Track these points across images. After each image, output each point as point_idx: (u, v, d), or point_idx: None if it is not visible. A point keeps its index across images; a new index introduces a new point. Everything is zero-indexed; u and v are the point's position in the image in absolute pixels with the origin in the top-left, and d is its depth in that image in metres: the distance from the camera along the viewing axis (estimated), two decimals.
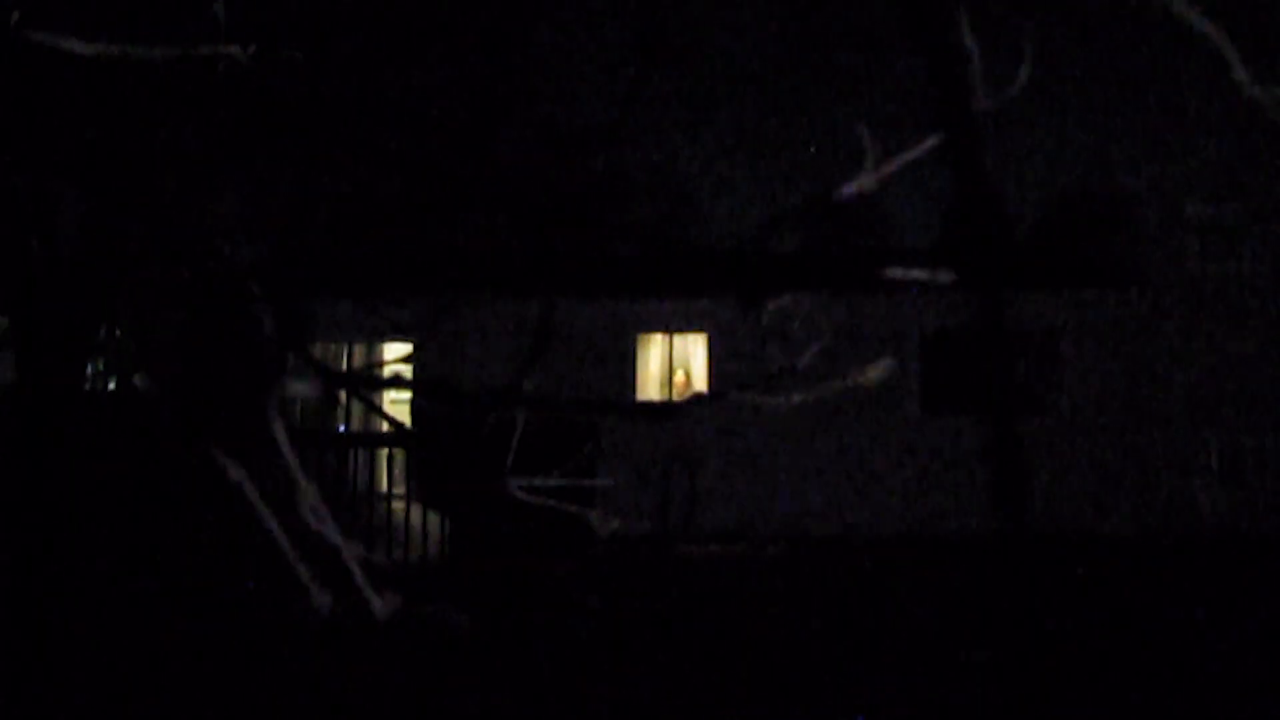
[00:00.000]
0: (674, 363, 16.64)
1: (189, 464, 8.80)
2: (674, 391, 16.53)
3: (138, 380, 11.12)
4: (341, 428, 14.40)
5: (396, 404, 16.72)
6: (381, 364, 11.91)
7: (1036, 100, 16.03)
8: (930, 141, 0.99)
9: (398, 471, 14.03)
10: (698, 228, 17.64)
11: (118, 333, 10.43)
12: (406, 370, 16.37)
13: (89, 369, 10.60)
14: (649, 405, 15.73)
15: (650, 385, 16.54)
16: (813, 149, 16.89)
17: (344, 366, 16.22)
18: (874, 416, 15.72)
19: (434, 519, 11.43)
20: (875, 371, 1.06)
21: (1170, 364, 15.92)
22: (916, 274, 1.05)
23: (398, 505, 12.42)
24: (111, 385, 11.58)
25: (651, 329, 16.45)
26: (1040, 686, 7.52)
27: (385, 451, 12.99)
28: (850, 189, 1.04)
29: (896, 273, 1.06)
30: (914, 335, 16.00)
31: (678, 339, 16.63)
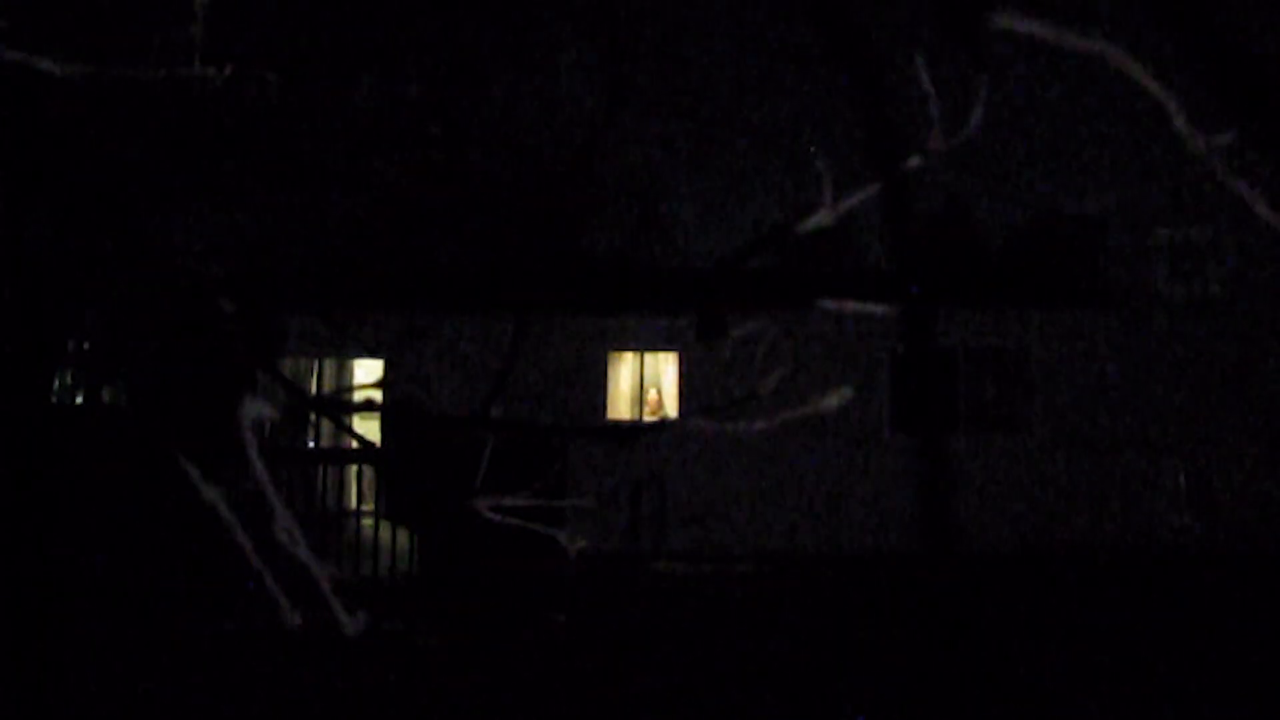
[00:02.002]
0: (645, 381, 16.67)
1: (165, 474, 8.78)
2: (646, 410, 16.56)
3: (105, 394, 11.08)
4: (310, 444, 14.35)
5: (367, 419, 16.69)
6: (352, 386, 11.87)
7: (1008, 124, 16.20)
8: (874, 188, 1.03)
9: (367, 488, 14.01)
10: (669, 247, 17.71)
11: (85, 346, 10.40)
12: (377, 390, 16.31)
13: (55, 382, 10.55)
14: (613, 428, 15.74)
15: (621, 403, 16.56)
16: (813, 149, 16.94)
17: (314, 382, 16.17)
18: (846, 436, 15.80)
19: (403, 535, 11.42)
20: (833, 399, 1.09)
21: (1139, 383, 16.09)
22: (872, 306, 1.08)
23: (367, 522, 12.40)
24: (79, 399, 11.53)
25: (623, 347, 16.49)
26: (1016, 699, 7.58)
27: (355, 469, 12.98)
28: (808, 224, 1.07)
29: (850, 306, 1.09)
30: (885, 356, 16.10)
31: (649, 357, 16.66)
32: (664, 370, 16.68)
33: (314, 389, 16.14)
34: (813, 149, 15.81)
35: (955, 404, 16.25)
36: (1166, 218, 16.40)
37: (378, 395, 14.35)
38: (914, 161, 1.07)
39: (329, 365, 16.75)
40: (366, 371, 16.74)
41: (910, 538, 15.41)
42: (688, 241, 17.45)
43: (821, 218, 1.06)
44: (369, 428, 16.32)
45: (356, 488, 14.82)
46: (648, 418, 16.48)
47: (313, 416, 12.62)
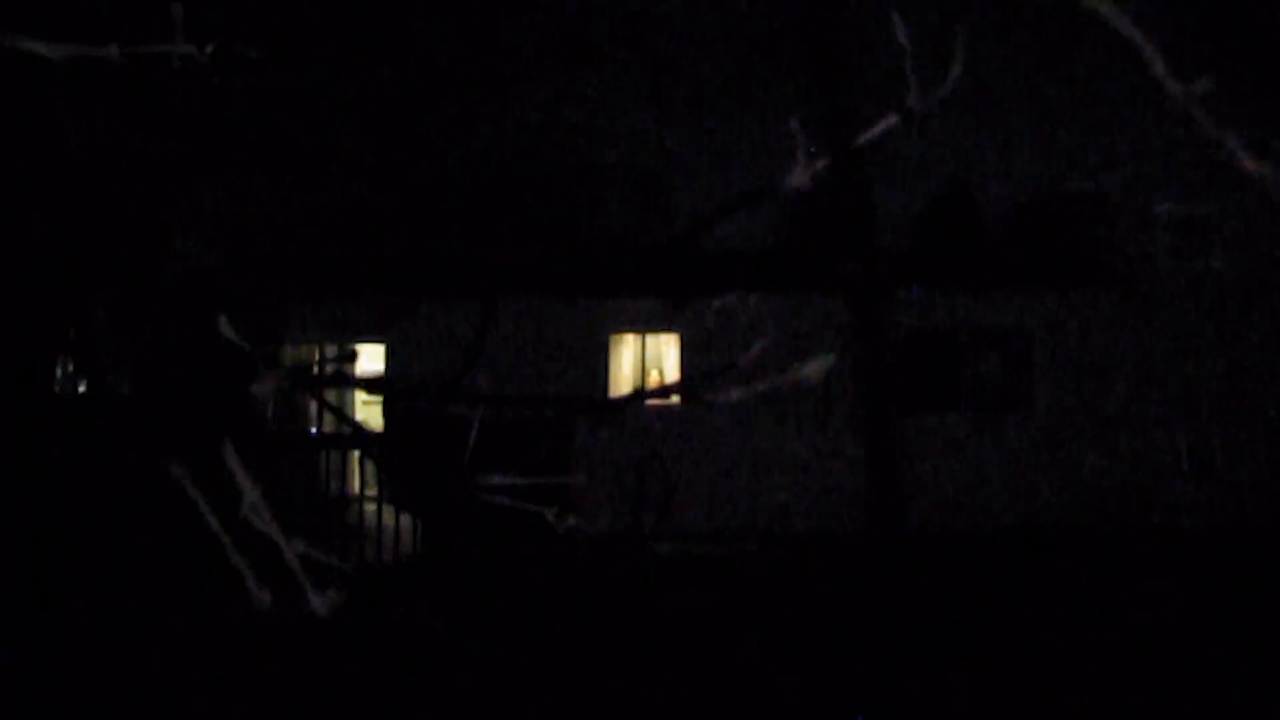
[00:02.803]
0: (647, 363, 16.64)
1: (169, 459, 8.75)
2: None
3: (109, 382, 11.07)
4: (313, 430, 14.34)
5: (369, 405, 16.66)
6: (343, 363, 11.82)
7: (1006, 100, 16.11)
8: (858, 140, 1.00)
9: (369, 473, 14.00)
10: (670, 227, 17.66)
11: (88, 334, 10.39)
12: (373, 372, 16.36)
13: (58, 371, 10.54)
14: (607, 401, 15.70)
15: (623, 385, 16.53)
16: (814, 151, 16.83)
17: (316, 367, 16.14)
18: (850, 414, 15.75)
19: (406, 520, 11.41)
20: (814, 367, 1.06)
21: (1142, 361, 16.03)
22: (880, 271, 1.05)
23: (370, 506, 12.40)
24: (82, 388, 11.53)
25: (624, 329, 16.45)
26: (1017, 685, 7.58)
27: (356, 454, 12.97)
28: (784, 186, 1.04)
29: (852, 267, 1.06)
30: (889, 335, 16.04)
31: (650, 339, 16.63)
32: (665, 352, 16.64)
33: (317, 374, 16.07)
34: (813, 151, 15.70)
35: (957, 383, 16.22)
36: (1167, 193, 16.33)
37: (357, 370, 14.31)
38: (891, 121, 1.04)
39: (331, 351, 16.72)
40: (368, 356, 16.72)
41: (915, 517, 15.38)
42: (687, 221, 17.38)
43: (795, 179, 1.04)
44: (371, 413, 16.31)
45: (360, 472, 14.80)
46: (650, 401, 16.44)
47: (313, 402, 12.58)
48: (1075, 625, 9.41)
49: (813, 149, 1.17)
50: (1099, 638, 8.91)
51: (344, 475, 12.09)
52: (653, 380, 16.54)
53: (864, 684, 7.55)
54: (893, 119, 1.04)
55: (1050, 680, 7.63)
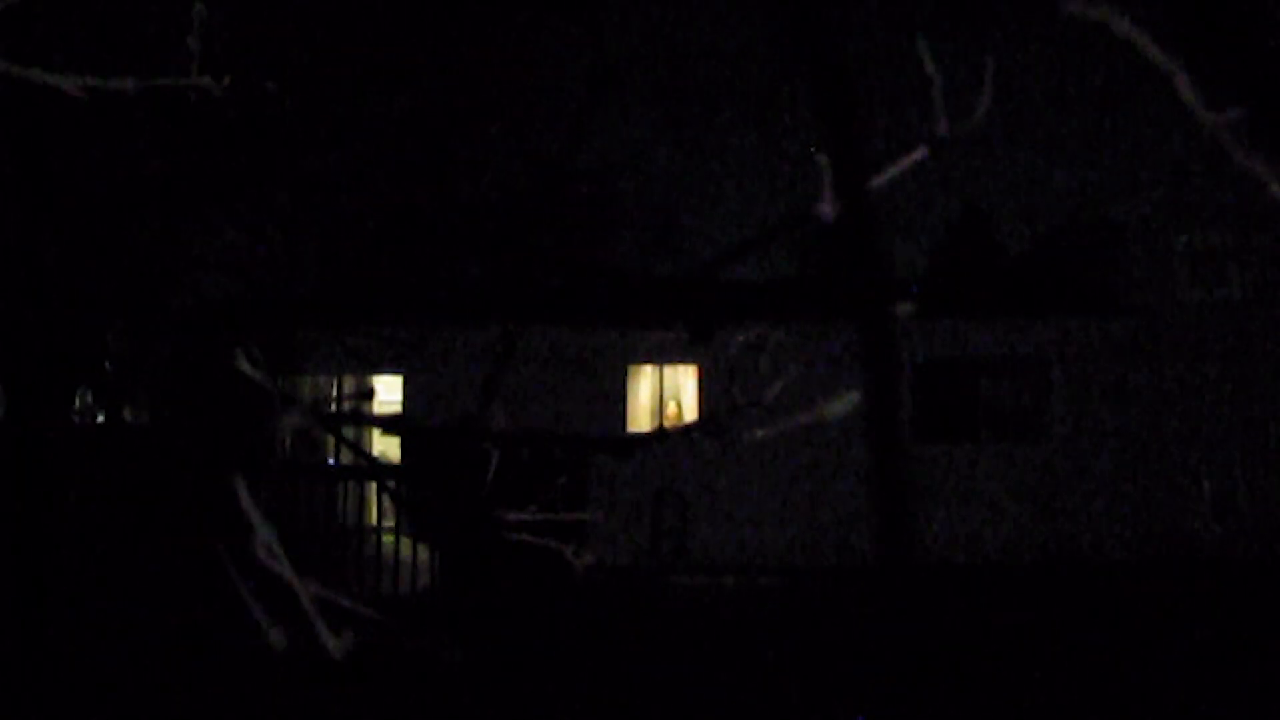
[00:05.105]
0: (665, 394, 16.61)
1: (189, 493, 8.77)
2: (665, 422, 16.50)
3: (126, 413, 11.09)
4: (331, 461, 14.34)
5: (389, 436, 16.67)
6: (362, 397, 11.79)
7: (1028, 131, 16.13)
8: (885, 178, 0.98)
9: (388, 504, 13.98)
10: (686, 259, 17.67)
11: (107, 366, 10.42)
12: (390, 402, 16.40)
13: (77, 402, 10.58)
14: (622, 439, 15.62)
15: (642, 416, 16.51)
16: (814, 148, 16.90)
17: (333, 399, 16.19)
18: (868, 445, 15.69)
19: (424, 551, 11.39)
20: (839, 406, 1.04)
21: (1160, 391, 15.95)
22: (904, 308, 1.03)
23: (388, 538, 12.39)
24: (101, 418, 11.56)
25: (642, 360, 16.44)
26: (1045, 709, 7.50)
27: (375, 485, 12.95)
28: (807, 219, 1.03)
29: (870, 297, 1.05)
30: (906, 365, 16.01)
31: (668, 370, 16.61)
32: (683, 383, 16.62)
33: (335, 405, 16.14)
34: (813, 148, 15.70)
35: (975, 413, 16.15)
36: (1186, 222, 16.29)
37: (375, 408, 14.29)
38: (918, 154, 1.02)
39: (349, 381, 16.76)
40: (386, 387, 16.75)
41: (937, 546, 15.29)
42: (704, 254, 17.40)
43: (821, 212, 1.02)
44: (390, 444, 16.31)
45: (377, 504, 14.79)
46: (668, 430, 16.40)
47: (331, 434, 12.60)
48: (1083, 654, 9.31)
49: (829, 177, 1.15)
50: (1111, 668, 8.82)
51: (361, 506, 12.09)
52: (671, 411, 16.51)
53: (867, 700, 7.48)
54: (920, 151, 1.02)
55: (1054, 704, 7.55)
